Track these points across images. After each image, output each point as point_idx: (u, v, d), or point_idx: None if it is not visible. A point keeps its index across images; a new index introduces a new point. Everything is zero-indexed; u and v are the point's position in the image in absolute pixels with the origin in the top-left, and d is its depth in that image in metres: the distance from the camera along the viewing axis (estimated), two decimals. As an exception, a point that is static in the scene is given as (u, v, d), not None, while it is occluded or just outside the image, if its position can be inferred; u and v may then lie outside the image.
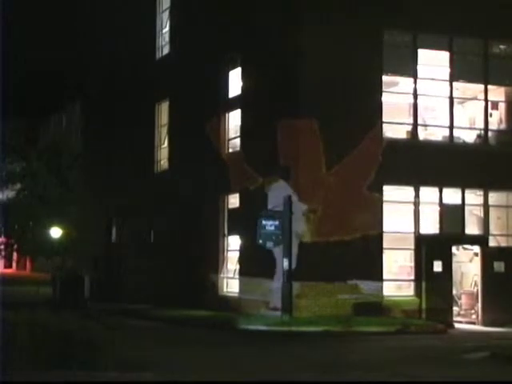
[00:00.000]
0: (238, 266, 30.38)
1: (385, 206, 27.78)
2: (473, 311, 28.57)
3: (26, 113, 43.81)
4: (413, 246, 28.12)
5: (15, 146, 39.85)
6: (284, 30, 28.45)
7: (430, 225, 28.71)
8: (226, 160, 31.48)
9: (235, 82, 31.33)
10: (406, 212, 28.45)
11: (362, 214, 27.23)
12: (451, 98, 29.30)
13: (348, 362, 18.09)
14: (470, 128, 30.23)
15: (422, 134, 29.36)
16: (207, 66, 32.69)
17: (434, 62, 29.43)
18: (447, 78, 29.33)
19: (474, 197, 29.39)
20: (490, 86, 29.72)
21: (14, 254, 62.66)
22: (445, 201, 28.78)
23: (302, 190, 27.01)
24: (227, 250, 31.51)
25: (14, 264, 67.98)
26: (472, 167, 28.64)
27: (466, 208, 29.10)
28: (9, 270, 63.87)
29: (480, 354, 19.41)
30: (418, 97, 28.91)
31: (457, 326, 27.28)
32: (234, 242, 31.09)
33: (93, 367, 14.82)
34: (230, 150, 31.81)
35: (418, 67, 28.82)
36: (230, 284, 31.01)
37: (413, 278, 28.00)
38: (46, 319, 16.34)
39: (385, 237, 27.66)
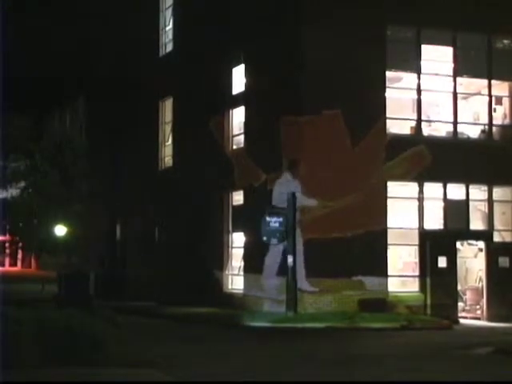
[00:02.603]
0: (242, 263, 30.38)
1: (389, 202, 27.77)
2: (478, 307, 28.56)
3: (30, 110, 43.78)
4: (417, 242, 28.10)
5: (19, 144, 39.89)
6: (287, 27, 28.42)
7: (435, 220, 28.69)
8: (230, 157, 31.47)
9: (239, 79, 31.31)
10: (410, 208, 28.43)
11: (366, 209, 27.21)
12: (455, 94, 29.26)
13: (351, 357, 18.08)
14: (474, 123, 30.19)
15: (426, 130, 29.32)
16: (210, 63, 32.66)
17: (437, 57, 29.40)
18: (451, 73, 29.29)
19: (478, 192, 29.36)
20: (493, 81, 29.68)
21: (19, 252, 62.72)
22: (449, 196, 28.76)
23: (306, 185, 26.99)
24: (231, 247, 31.51)
25: (19, 262, 68.08)
26: (476, 162, 28.60)
27: (471, 203, 29.06)
28: (14, 268, 63.97)
29: (485, 350, 19.40)
30: (422, 92, 28.88)
31: (462, 321, 27.29)
32: (238, 239, 31.09)
33: (96, 364, 14.84)
34: (234, 147, 31.81)
35: (422, 63, 28.79)
36: (235, 281, 31.00)
37: (417, 273, 27.98)
38: (50, 316, 16.38)
39: (389, 233, 27.65)
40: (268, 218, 26.45)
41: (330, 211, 27.01)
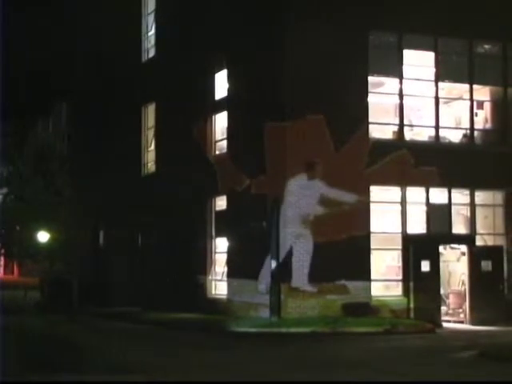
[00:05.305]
0: (226, 268, 30.37)
1: (372, 207, 27.83)
2: (461, 310, 28.65)
3: (13, 116, 43.72)
4: (400, 246, 28.16)
5: (2, 150, 39.82)
6: (270, 32, 28.46)
7: (417, 225, 28.77)
8: (213, 162, 31.47)
9: (221, 84, 31.33)
10: (393, 212, 28.51)
11: (349, 214, 27.27)
12: (437, 98, 29.38)
13: (337, 362, 18.12)
14: (456, 128, 30.31)
15: (408, 134, 29.42)
16: (193, 68, 32.67)
17: (419, 62, 29.49)
18: (433, 78, 29.40)
19: (460, 196, 29.48)
20: (475, 86, 29.82)
21: (1, 259, 62.44)
22: (431, 200, 28.85)
23: (289, 191, 27.03)
24: (215, 252, 31.50)
25: (1, 269, 67.78)
26: (458, 167, 28.70)
27: (453, 207, 29.18)
28: (-4, 275, 63.71)
29: (468, 353, 19.48)
30: (404, 97, 28.97)
31: (445, 325, 27.35)
32: (221, 244, 31.08)
33: (81, 370, 14.83)
34: (217, 152, 31.81)
35: (404, 68, 28.88)
36: (219, 286, 30.99)
37: (400, 277, 28.05)
38: (34, 324, 16.37)
39: (372, 237, 27.71)
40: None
41: (314, 216, 27.04)
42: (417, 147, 28.80)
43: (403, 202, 28.42)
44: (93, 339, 21.81)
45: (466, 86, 29.82)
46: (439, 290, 28.07)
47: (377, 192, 28.13)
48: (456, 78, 29.93)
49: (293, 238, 26.86)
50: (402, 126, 28.92)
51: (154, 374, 15.43)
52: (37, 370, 14.60)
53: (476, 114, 30.13)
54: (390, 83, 29.20)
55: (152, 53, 37.38)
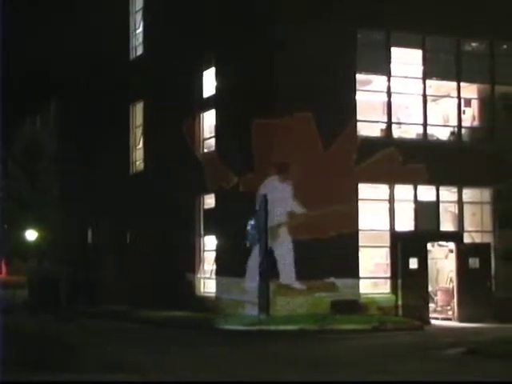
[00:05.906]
0: (214, 266, 30.38)
1: (360, 204, 27.87)
2: (448, 307, 28.75)
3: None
4: (388, 244, 28.24)
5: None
6: (258, 30, 28.47)
7: (406, 222, 28.85)
8: (201, 160, 31.47)
9: (210, 82, 31.31)
10: (381, 210, 28.57)
11: (338, 212, 27.30)
12: (424, 96, 29.45)
13: (326, 360, 18.15)
14: (444, 125, 30.41)
15: (396, 132, 29.48)
16: (181, 66, 32.64)
17: (407, 60, 29.58)
18: (420, 75, 29.48)
19: (448, 193, 29.57)
20: (462, 84, 29.91)
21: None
22: (419, 198, 28.93)
23: (276, 189, 27.05)
24: (203, 250, 31.51)
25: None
26: (446, 164, 28.77)
27: (441, 205, 29.27)
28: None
29: (456, 350, 19.55)
30: (392, 95, 29.04)
31: (433, 322, 27.45)
32: (210, 242, 31.09)
33: (78, 369, 14.81)
34: (205, 150, 31.81)
35: (392, 65, 28.95)
36: (207, 284, 31.00)
37: (389, 275, 28.12)
38: (25, 323, 16.36)
39: (360, 235, 27.76)
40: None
41: (303, 214, 27.08)
42: (405, 145, 28.87)
43: (391, 200, 28.49)
44: (85, 338, 21.79)
45: (454, 84, 29.90)
46: (427, 288, 28.15)
47: (365, 189, 28.17)
48: (444, 76, 30.02)
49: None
50: (390, 123, 28.98)
51: (148, 373, 15.42)
52: (34, 369, 14.57)
53: (464, 112, 30.23)
54: (378, 81, 29.27)
55: (140, 51, 37.32)
